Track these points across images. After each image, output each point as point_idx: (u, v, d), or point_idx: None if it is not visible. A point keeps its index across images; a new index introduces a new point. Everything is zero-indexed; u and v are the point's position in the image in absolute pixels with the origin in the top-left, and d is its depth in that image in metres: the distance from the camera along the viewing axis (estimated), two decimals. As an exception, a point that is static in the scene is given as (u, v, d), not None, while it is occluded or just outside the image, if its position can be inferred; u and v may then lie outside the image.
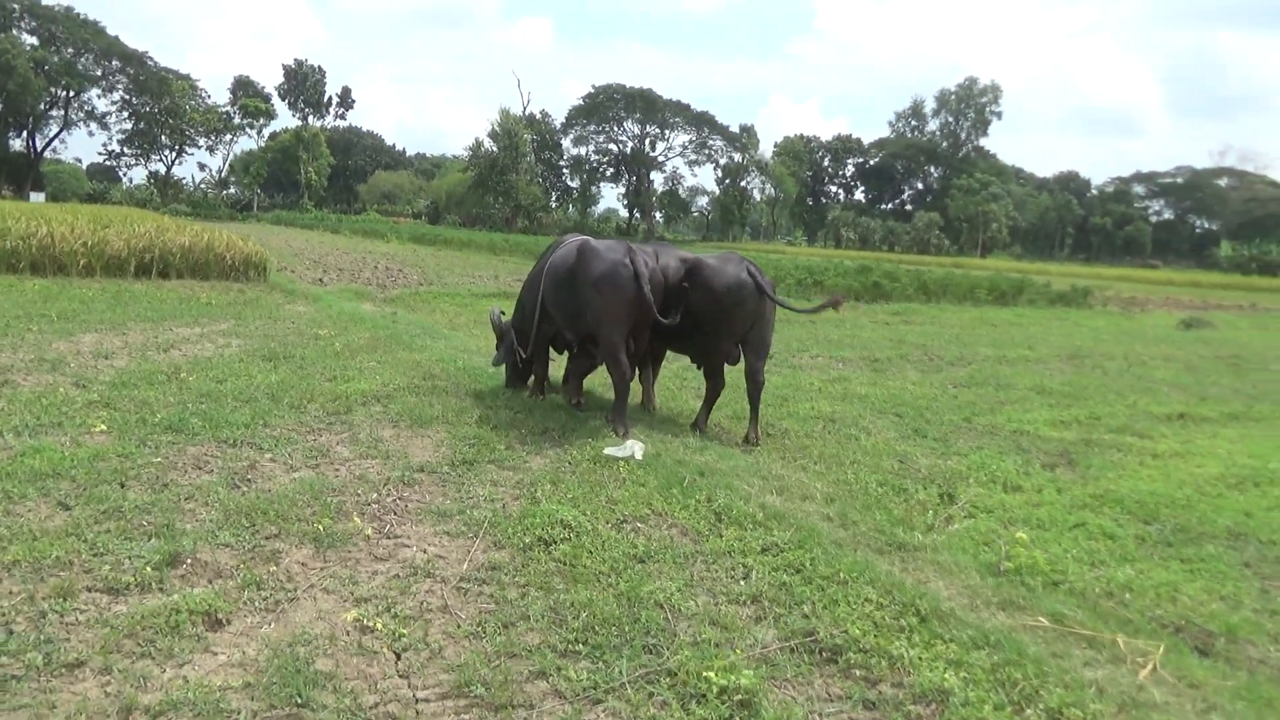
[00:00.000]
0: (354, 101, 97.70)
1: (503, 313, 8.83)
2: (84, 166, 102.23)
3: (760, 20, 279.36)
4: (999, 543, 5.24)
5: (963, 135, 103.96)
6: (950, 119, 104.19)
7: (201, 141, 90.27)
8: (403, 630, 3.74)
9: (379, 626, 3.75)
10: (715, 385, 7.64)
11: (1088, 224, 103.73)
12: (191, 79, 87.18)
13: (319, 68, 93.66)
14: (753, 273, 7.34)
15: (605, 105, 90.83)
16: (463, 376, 9.05)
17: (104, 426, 6.45)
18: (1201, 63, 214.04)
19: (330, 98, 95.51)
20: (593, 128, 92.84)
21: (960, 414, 9.08)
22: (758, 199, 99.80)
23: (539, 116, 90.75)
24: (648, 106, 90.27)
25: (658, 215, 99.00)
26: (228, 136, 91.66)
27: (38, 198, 67.57)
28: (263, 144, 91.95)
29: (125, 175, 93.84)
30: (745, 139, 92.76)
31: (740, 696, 3.29)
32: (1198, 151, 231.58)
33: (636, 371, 7.84)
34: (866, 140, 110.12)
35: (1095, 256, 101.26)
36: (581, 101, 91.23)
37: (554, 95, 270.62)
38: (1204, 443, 8.43)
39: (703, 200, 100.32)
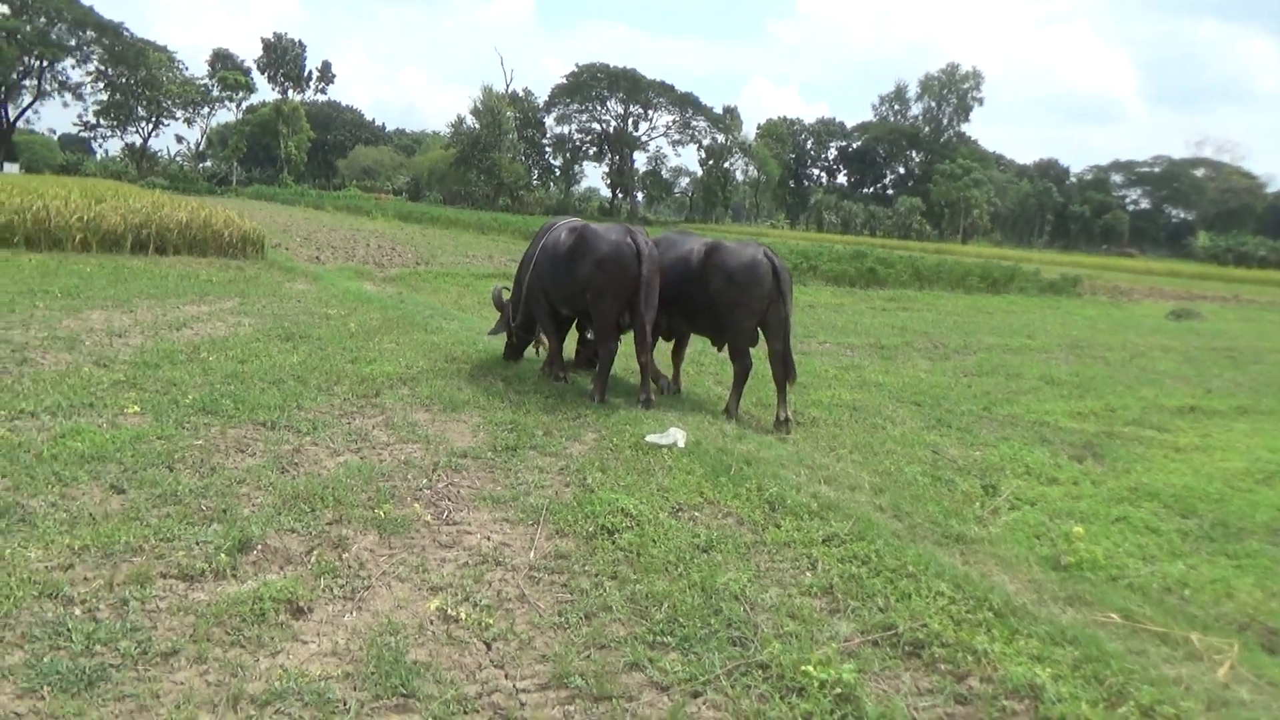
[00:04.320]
0: (334, 76, 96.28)
1: (505, 288, 9.25)
2: (56, 137, 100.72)
3: (743, 2, 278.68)
4: (1049, 535, 5.30)
5: (945, 120, 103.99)
6: (933, 104, 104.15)
7: (179, 114, 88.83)
8: (488, 620, 3.72)
9: (463, 616, 3.74)
10: (741, 366, 7.66)
11: (1066, 211, 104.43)
12: (169, 51, 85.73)
13: (299, 41, 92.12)
14: (769, 255, 7.46)
15: (589, 84, 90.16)
16: (484, 359, 9.02)
17: (137, 408, 6.39)
18: (1179, 52, 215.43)
19: (310, 72, 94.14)
20: (576, 107, 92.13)
21: (978, 404, 9.14)
22: (740, 181, 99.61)
23: (521, 94, 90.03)
24: (631, 86, 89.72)
25: (640, 195, 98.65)
26: (205, 109, 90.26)
27: (11, 169, 66.54)
28: (241, 117, 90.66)
29: (100, 147, 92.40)
30: (729, 120, 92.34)
31: (840, 690, 3.31)
32: (1174, 141, 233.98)
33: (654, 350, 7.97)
34: (848, 124, 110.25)
35: (1073, 244, 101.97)
36: (565, 80, 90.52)
37: (535, 74, 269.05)
38: (1221, 436, 8.54)
39: (685, 181, 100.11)
